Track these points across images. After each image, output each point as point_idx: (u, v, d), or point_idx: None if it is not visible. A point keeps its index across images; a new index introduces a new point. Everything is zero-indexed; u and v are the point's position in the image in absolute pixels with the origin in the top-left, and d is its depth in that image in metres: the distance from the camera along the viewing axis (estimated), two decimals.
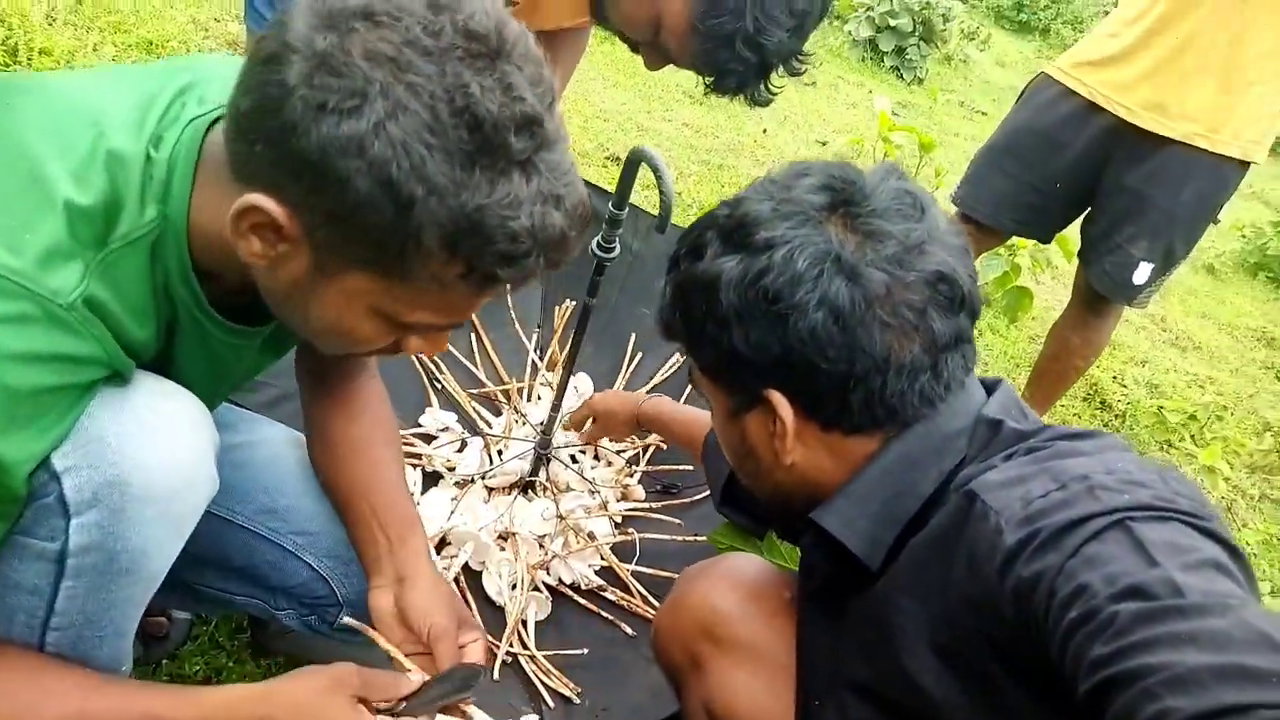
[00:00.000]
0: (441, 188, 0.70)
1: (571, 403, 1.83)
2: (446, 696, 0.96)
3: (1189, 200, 1.95)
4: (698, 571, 1.19)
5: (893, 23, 5.93)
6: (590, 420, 1.67)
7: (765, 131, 4.12)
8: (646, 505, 1.74)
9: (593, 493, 1.73)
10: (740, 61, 1.29)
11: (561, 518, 1.65)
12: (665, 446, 1.84)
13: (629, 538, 1.66)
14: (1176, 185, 1.94)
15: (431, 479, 1.67)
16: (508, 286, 0.80)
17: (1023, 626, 0.71)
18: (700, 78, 1.37)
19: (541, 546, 1.61)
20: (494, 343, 1.89)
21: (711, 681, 1.11)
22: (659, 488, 1.81)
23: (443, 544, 1.57)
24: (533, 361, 1.89)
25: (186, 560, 1.06)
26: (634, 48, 1.43)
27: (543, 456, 1.67)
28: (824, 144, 4.26)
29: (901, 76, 5.97)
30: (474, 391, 1.82)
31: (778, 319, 0.85)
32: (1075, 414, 2.90)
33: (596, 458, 1.81)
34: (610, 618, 1.56)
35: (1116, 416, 2.98)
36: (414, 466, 1.64)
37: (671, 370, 1.94)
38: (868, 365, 0.85)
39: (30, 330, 0.74)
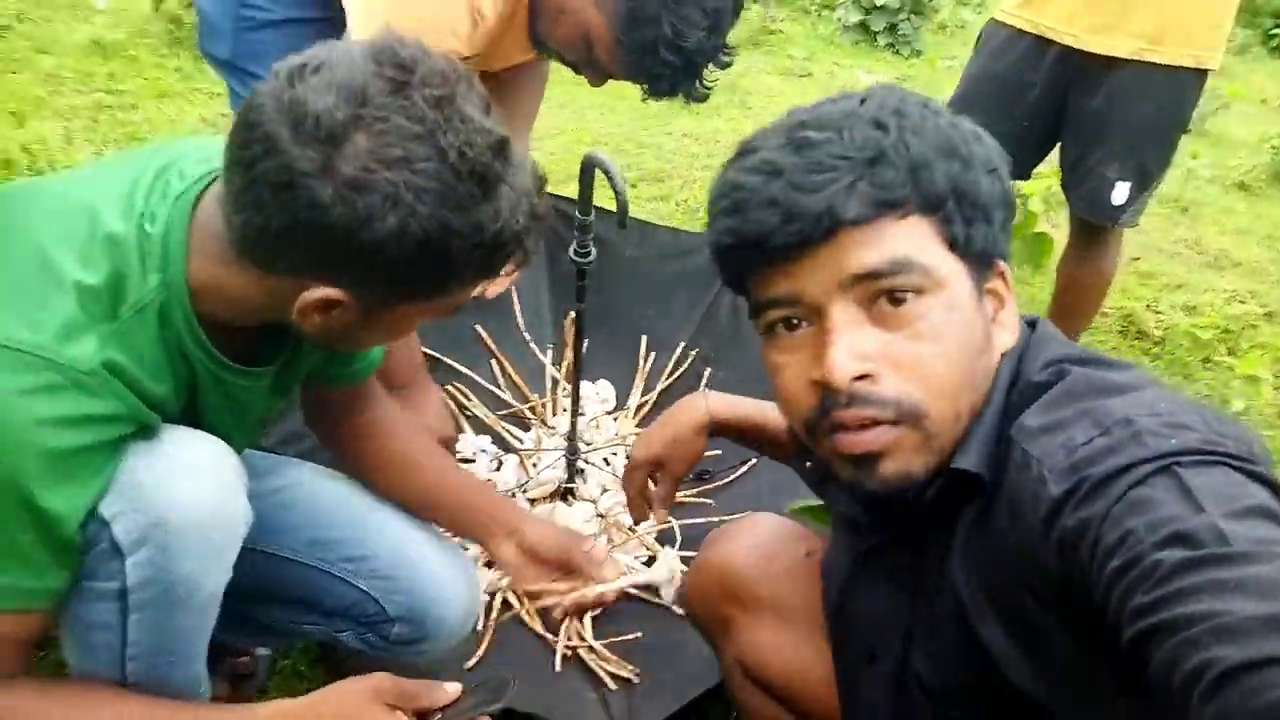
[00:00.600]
0: (467, 233, 0.86)
1: (595, 408, 1.92)
2: (480, 706, 1.02)
3: (1149, 114, 1.99)
4: (717, 534, 1.24)
5: (880, 2, 5.97)
6: (650, 477, 1.30)
7: None
8: (681, 493, 1.82)
9: None
10: (667, 66, 1.38)
11: (602, 516, 1.73)
12: None
13: (668, 525, 1.74)
14: (1134, 103, 1.98)
15: None
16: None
17: (1067, 577, 0.70)
18: (639, 86, 1.46)
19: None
20: (514, 365, 2.00)
21: (740, 640, 1.15)
22: (692, 475, 1.88)
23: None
24: (552, 377, 1.99)
25: (251, 597, 1.19)
26: (576, 69, 1.53)
27: (573, 463, 1.76)
28: None
29: (899, 52, 5.99)
30: (502, 413, 1.92)
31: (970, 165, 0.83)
32: (1113, 347, 2.91)
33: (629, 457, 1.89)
34: (660, 602, 1.63)
35: (1155, 344, 2.98)
36: None
37: (687, 365, 2.02)
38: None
39: (59, 397, 0.85)
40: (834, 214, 0.76)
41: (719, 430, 1.24)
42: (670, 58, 1.37)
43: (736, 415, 1.23)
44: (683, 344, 2.04)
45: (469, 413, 1.91)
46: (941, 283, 0.79)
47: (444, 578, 1.25)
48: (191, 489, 0.93)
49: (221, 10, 1.70)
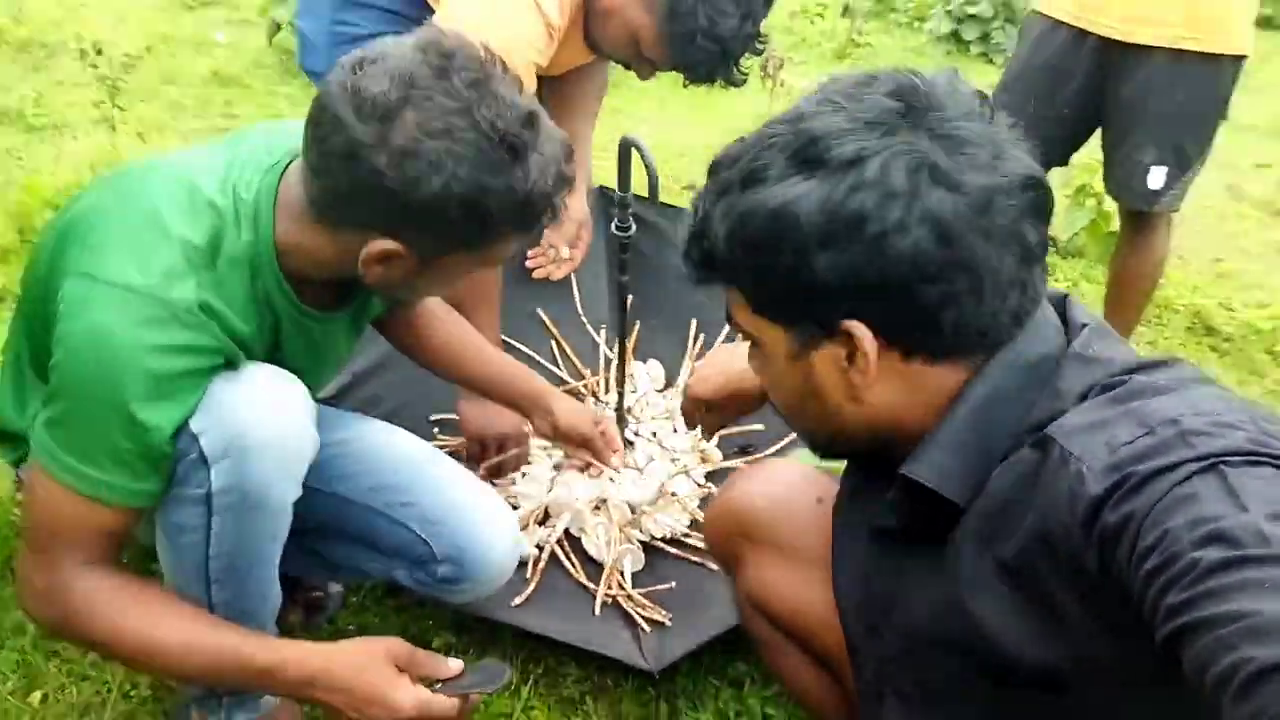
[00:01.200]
0: (501, 191, 1.04)
1: (645, 386, 2.07)
2: (475, 686, 1.15)
3: (1183, 100, 2.05)
4: (737, 475, 1.33)
5: (972, 11, 6.00)
6: (704, 407, 1.36)
7: None
8: (725, 465, 1.95)
9: (674, 460, 1.95)
10: (705, 53, 1.55)
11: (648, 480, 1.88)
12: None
13: (709, 490, 1.87)
14: (1168, 89, 2.04)
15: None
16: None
17: (1105, 573, 0.69)
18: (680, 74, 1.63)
19: (633, 510, 1.84)
20: (573, 346, 2.16)
21: (749, 575, 1.23)
22: (736, 450, 2.01)
23: (545, 516, 1.82)
24: (605, 356, 2.15)
25: (320, 532, 1.38)
26: (627, 66, 1.70)
27: (621, 430, 1.91)
28: None
29: (991, 61, 6.00)
30: (562, 388, 2.08)
31: (872, 241, 0.77)
32: (1180, 343, 2.91)
33: (675, 430, 2.04)
34: (697, 560, 1.76)
35: (1225, 340, 2.97)
36: None
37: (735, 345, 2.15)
38: (965, 283, 0.79)
39: (163, 328, 1.05)
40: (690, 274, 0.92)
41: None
42: (708, 45, 1.55)
43: None
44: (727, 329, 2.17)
45: None
46: (755, 340, 0.91)
47: (486, 523, 1.41)
48: (267, 411, 1.12)
49: (318, 28, 1.93)
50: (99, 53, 3.48)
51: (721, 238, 0.84)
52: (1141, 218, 2.26)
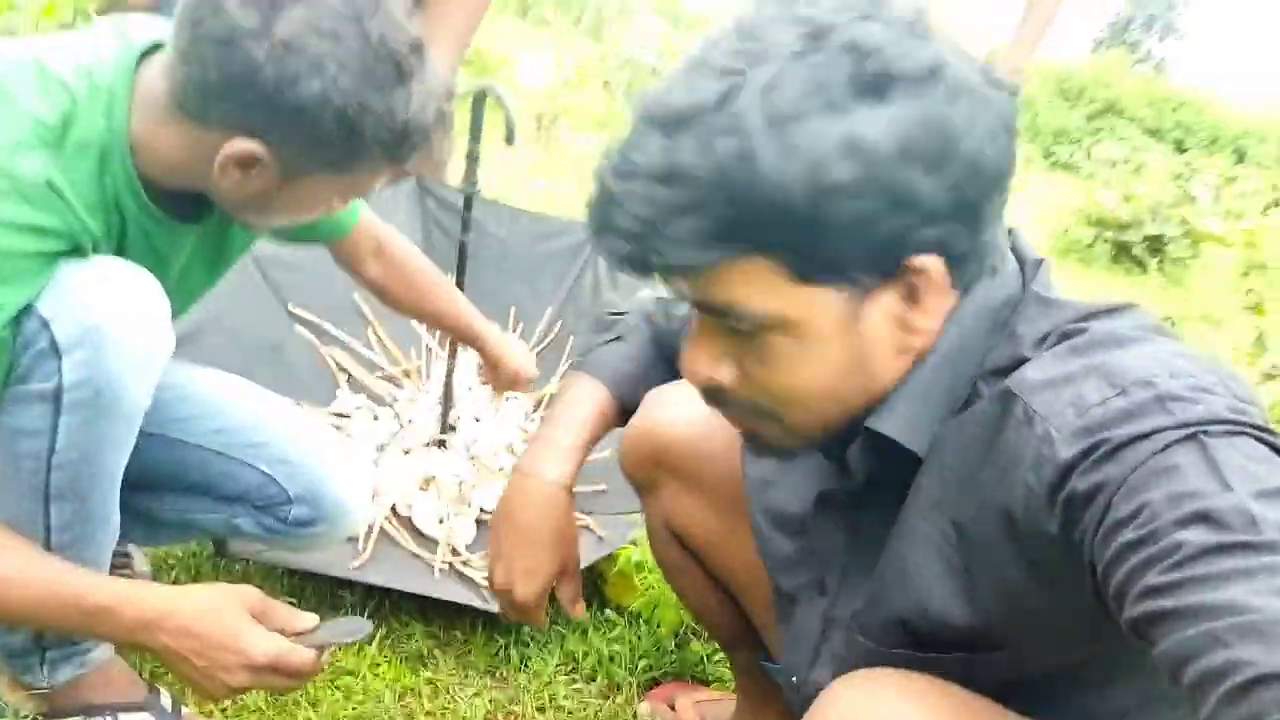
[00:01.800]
0: (380, 112, 1.01)
1: (469, 376, 2.08)
2: (336, 639, 1.09)
3: None
4: (656, 395, 1.17)
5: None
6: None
7: None
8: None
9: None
10: None
11: (474, 459, 1.88)
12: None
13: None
14: None
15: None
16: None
17: (1065, 541, 0.66)
18: None
19: (460, 486, 1.83)
20: (390, 335, 2.14)
21: (666, 504, 1.21)
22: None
23: (372, 495, 1.77)
24: (426, 345, 2.14)
25: (147, 489, 1.28)
26: None
27: (446, 413, 1.90)
28: None
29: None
30: (379, 374, 2.05)
31: (969, 156, 0.69)
32: None
33: (496, 411, 2.05)
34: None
35: None
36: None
37: (553, 335, 2.22)
38: (1005, 195, 0.74)
39: (5, 203, 0.96)
40: (664, 265, 0.73)
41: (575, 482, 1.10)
42: None
43: (579, 460, 1.09)
44: (547, 315, 2.24)
45: (345, 371, 2.03)
46: (783, 323, 0.74)
47: (340, 461, 1.36)
48: (127, 300, 1.05)
49: None
50: None
51: (782, 186, 0.67)
52: None
